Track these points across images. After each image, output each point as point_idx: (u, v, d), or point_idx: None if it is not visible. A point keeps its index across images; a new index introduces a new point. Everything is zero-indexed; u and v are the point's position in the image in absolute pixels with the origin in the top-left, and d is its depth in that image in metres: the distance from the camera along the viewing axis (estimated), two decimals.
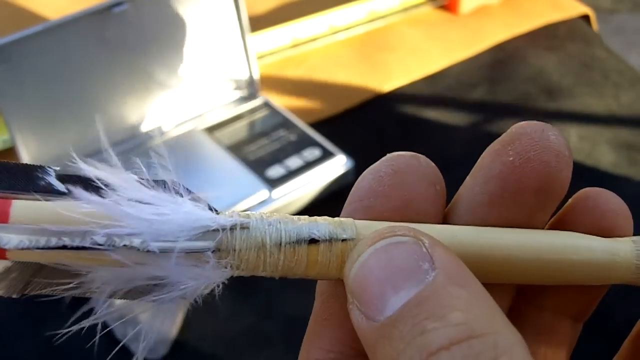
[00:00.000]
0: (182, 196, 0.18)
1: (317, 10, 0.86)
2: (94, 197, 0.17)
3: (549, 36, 0.91)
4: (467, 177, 0.21)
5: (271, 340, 0.59)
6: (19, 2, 0.91)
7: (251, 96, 0.76)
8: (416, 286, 0.15)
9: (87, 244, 0.17)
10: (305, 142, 0.70)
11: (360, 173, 0.21)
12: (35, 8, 0.90)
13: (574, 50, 0.89)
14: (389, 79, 0.82)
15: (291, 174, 0.67)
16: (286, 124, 0.72)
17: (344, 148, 0.69)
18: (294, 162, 0.68)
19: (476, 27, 0.90)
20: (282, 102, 0.76)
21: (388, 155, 0.20)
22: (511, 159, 0.19)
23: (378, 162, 0.20)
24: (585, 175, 0.71)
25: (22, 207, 0.18)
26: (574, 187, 0.23)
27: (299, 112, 0.75)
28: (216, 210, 0.18)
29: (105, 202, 0.17)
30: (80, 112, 0.68)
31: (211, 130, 0.73)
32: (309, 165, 0.68)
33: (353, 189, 0.20)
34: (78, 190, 0.17)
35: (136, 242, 0.17)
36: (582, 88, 0.84)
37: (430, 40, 0.88)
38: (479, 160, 0.21)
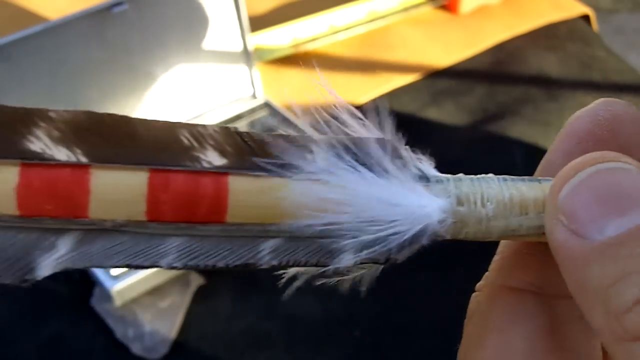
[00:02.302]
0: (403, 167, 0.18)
1: (317, 10, 0.86)
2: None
3: (549, 36, 0.91)
4: None
5: (271, 340, 0.59)
6: (19, 2, 0.91)
7: (251, 96, 0.76)
8: None
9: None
10: None
11: None
12: (35, 8, 0.90)
13: (574, 50, 0.89)
14: (388, 78, 0.82)
15: None
16: (286, 123, 0.72)
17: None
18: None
19: (476, 27, 0.90)
20: (282, 102, 0.76)
21: (603, 99, 0.19)
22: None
23: (593, 104, 0.19)
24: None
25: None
26: None
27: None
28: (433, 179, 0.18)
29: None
30: None
31: None
32: None
33: (567, 128, 0.19)
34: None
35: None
36: (582, 88, 0.84)
37: (430, 40, 0.88)
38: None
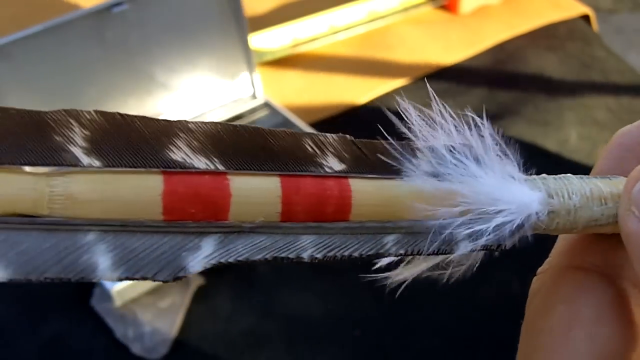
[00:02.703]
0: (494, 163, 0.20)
1: (317, 10, 0.86)
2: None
3: (549, 36, 0.91)
4: None
5: (271, 340, 0.59)
6: (19, 2, 0.91)
7: (251, 96, 0.76)
8: None
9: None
10: None
11: None
12: (35, 8, 0.90)
13: (574, 50, 0.89)
14: (389, 78, 0.82)
15: None
16: (286, 124, 0.72)
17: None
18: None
19: (476, 27, 0.90)
20: (282, 102, 0.76)
21: None
22: None
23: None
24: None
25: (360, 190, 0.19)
26: None
27: (299, 112, 0.75)
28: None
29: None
30: None
31: None
32: None
33: (617, 139, 0.22)
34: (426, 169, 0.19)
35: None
36: (582, 88, 0.84)
37: (430, 40, 0.88)
38: None
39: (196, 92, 0.73)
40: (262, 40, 0.81)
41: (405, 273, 0.22)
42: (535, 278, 0.23)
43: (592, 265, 0.21)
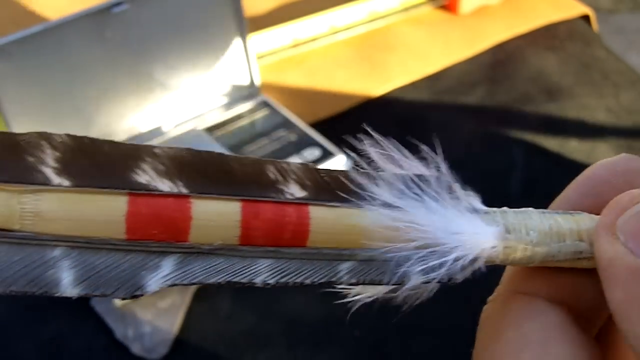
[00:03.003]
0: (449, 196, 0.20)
1: (317, 10, 0.86)
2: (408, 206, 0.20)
3: (549, 36, 0.91)
4: None
5: (271, 340, 0.59)
6: (19, 2, 0.91)
7: (251, 96, 0.76)
8: None
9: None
10: (305, 142, 0.70)
11: None
12: (35, 8, 0.90)
13: (574, 50, 0.89)
14: (389, 79, 0.82)
15: None
16: (286, 124, 0.72)
17: (344, 148, 0.69)
18: (294, 162, 0.68)
19: (476, 27, 0.90)
20: (282, 102, 0.76)
21: (624, 155, 0.22)
22: None
23: (614, 157, 0.22)
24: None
25: (319, 219, 0.19)
26: None
27: (299, 112, 0.75)
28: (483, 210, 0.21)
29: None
30: (81, 112, 0.68)
31: (211, 130, 0.73)
32: None
33: (587, 173, 0.22)
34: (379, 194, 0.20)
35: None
36: (582, 88, 0.84)
37: (430, 40, 0.88)
38: None
39: (196, 91, 0.73)
40: (262, 40, 0.81)
41: (364, 293, 0.22)
42: (485, 306, 0.23)
43: (538, 291, 0.22)
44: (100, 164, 0.17)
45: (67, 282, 0.17)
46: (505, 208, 0.21)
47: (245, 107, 0.75)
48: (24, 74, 0.63)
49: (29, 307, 0.61)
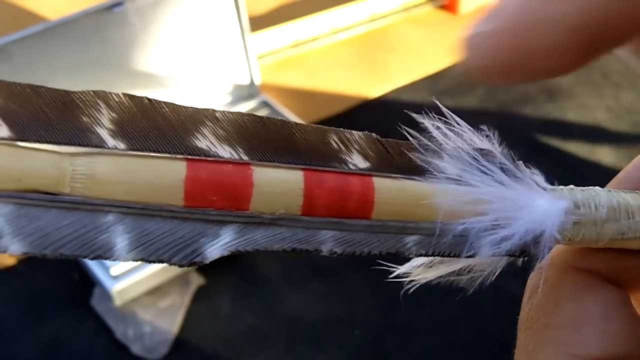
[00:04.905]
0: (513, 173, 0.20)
1: (317, 10, 0.86)
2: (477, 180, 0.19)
3: None
4: None
5: (271, 340, 0.59)
6: (19, 2, 0.91)
7: (251, 96, 0.76)
8: None
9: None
10: None
11: None
12: (35, 8, 0.90)
13: None
14: (389, 79, 0.82)
15: None
16: None
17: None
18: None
19: None
20: (282, 102, 0.76)
21: None
22: None
23: None
24: (585, 175, 0.71)
25: (384, 189, 0.19)
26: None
27: (298, 111, 0.75)
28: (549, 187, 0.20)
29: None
30: None
31: None
32: None
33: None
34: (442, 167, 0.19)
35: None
36: (582, 88, 0.84)
37: (430, 40, 0.88)
38: None
39: (196, 91, 0.73)
40: (263, 40, 0.81)
41: (426, 275, 0.22)
42: (533, 273, 0.23)
43: (596, 269, 0.21)
44: (158, 126, 0.17)
45: (121, 246, 0.17)
46: (572, 186, 0.21)
47: (245, 107, 0.75)
48: (24, 74, 0.63)
49: (29, 307, 0.61)
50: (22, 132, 0.16)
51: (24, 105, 0.16)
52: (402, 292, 0.22)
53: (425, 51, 0.86)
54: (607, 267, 0.21)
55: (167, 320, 0.58)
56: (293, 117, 0.73)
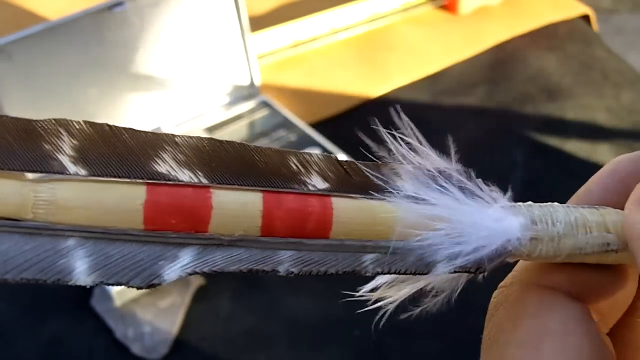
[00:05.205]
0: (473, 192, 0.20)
1: (317, 10, 0.86)
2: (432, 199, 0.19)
3: (549, 36, 0.91)
4: None
5: (271, 340, 0.59)
6: (19, 2, 0.91)
7: (251, 96, 0.76)
8: None
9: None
10: (305, 142, 0.70)
11: None
12: (35, 8, 0.90)
13: (574, 51, 0.89)
14: (389, 79, 0.82)
15: None
16: (286, 124, 0.72)
17: (344, 148, 0.69)
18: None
19: (476, 27, 0.90)
20: (282, 102, 0.76)
21: None
22: None
23: (635, 153, 0.22)
24: (585, 175, 0.71)
25: (343, 209, 0.19)
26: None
27: (298, 112, 0.75)
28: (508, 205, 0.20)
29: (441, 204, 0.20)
30: (81, 112, 0.68)
31: (211, 130, 0.73)
32: None
33: (610, 167, 0.22)
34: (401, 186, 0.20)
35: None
36: (582, 88, 0.84)
37: (430, 40, 0.88)
38: None
39: (196, 92, 0.73)
40: (263, 40, 0.81)
41: (390, 295, 0.22)
42: (496, 292, 0.23)
43: (556, 286, 0.21)
44: (119, 152, 0.17)
45: (80, 270, 0.17)
46: (530, 202, 0.21)
47: (245, 107, 0.75)
48: (24, 74, 0.63)
49: (29, 307, 0.61)
50: None
51: None
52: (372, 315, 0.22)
53: (425, 51, 0.86)
54: (567, 283, 0.21)
55: (167, 320, 0.58)
56: (293, 117, 0.73)
